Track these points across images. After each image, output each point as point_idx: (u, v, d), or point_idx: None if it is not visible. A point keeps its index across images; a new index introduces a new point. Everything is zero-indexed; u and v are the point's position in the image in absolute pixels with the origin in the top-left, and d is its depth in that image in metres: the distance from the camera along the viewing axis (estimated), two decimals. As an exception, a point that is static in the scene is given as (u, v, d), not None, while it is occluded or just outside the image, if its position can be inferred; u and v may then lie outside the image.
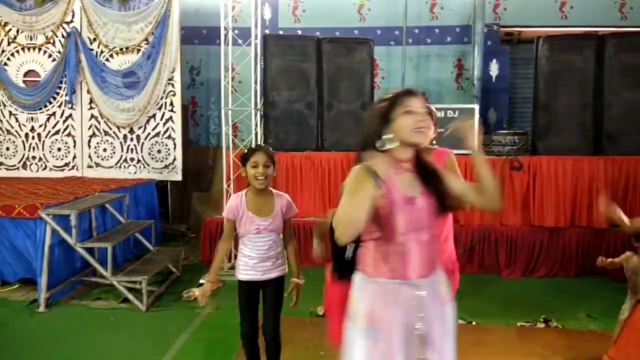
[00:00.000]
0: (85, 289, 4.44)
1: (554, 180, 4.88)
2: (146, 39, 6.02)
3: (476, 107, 5.02)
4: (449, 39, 6.91)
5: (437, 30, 6.90)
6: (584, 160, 4.90)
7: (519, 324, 3.74)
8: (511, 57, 6.96)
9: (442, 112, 5.04)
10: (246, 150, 2.65)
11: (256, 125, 5.89)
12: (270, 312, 2.67)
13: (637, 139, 4.74)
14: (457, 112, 5.04)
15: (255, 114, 5.00)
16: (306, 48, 5.13)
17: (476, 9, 6.52)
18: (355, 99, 5.21)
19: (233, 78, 7.04)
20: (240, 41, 5.04)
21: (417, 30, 6.83)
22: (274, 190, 2.68)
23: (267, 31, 6.25)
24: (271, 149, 2.66)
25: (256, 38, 5.06)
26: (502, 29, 6.87)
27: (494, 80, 6.82)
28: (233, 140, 7.09)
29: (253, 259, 2.61)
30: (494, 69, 6.84)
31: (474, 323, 3.74)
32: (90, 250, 4.20)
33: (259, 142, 4.92)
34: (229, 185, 4.99)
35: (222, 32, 4.83)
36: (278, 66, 5.14)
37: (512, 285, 4.72)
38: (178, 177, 6.27)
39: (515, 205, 4.98)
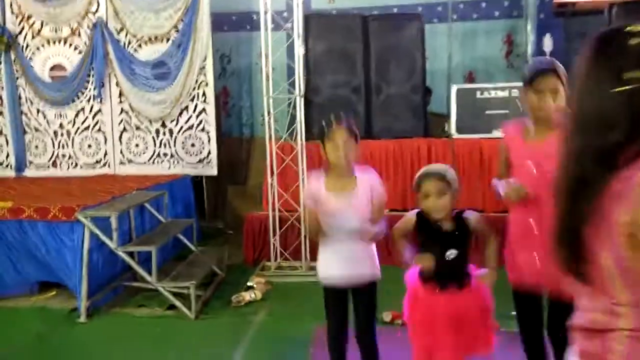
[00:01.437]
0: (126, 296, 4.15)
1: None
2: (176, 27, 5.66)
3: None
4: (497, 13, 6.40)
5: (483, 4, 6.40)
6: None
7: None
8: (565, 30, 6.42)
9: (506, 91, 4.60)
10: (321, 130, 2.28)
11: (294, 114, 5.56)
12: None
13: None
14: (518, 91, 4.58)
15: (298, 102, 4.60)
16: (351, 27, 4.70)
17: (527, -22, 6.02)
18: (406, 80, 4.78)
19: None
20: (281, 23, 4.63)
21: (462, 5, 6.34)
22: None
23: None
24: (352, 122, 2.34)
25: (288, 20, 4.61)
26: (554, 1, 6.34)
27: (548, 55, 6.30)
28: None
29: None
30: (547, 43, 6.28)
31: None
32: (129, 254, 3.89)
33: (299, 132, 4.52)
34: (273, 179, 4.61)
35: (262, 15, 4.43)
36: (321, 49, 4.74)
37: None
38: (213, 171, 5.94)
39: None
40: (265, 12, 4.45)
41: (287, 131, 4.94)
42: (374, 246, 2.37)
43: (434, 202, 2.09)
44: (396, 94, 4.77)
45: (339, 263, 2.29)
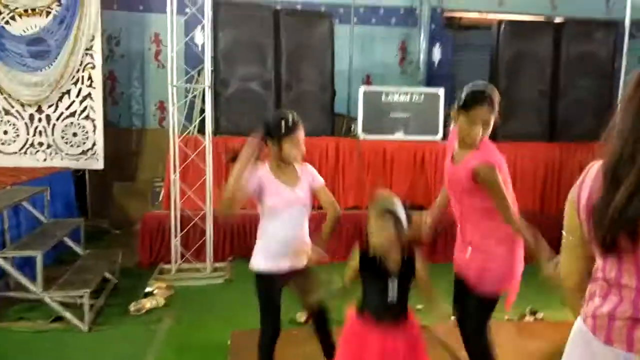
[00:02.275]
0: (-1, 308, 3.55)
1: (513, 167, 4.87)
2: (58, 0, 4.99)
3: (441, 90, 4.83)
4: (393, 20, 6.68)
5: (382, 11, 6.64)
6: (540, 147, 4.96)
7: (506, 318, 3.61)
8: (453, 42, 6.92)
9: (408, 96, 4.80)
10: (284, 123, 2.24)
11: (196, 106, 5.23)
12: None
13: (588, 125, 4.85)
14: (422, 97, 4.82)
15: (207, 93, 4.31)
16: (262, 20, 4.54)
17: (423, -10, 6.37)
18: (316, 79, 4.76)
19: (159, 51, 6.23)
20: (187, 7, 4.30)
21: (362, 10, 6.50)
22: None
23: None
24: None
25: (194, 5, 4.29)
26: (444, 14, 6.80)
27: (436, 65, 6.75)
28: (161, 123, 6.38)
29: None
30: (437, 53, 6.76)
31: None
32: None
33: (208, 125, 4.25)
34: (176, 176, 4.28)
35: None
36: (230, 39, 4.49)
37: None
38: (99, 164, 5.37)
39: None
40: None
41: (191, 124, 4.64)
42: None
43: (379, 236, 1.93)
44: (306, 91, 4.71)
45: (280, 251, 2.29)
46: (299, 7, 6.16)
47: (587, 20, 5.40)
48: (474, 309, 2.23)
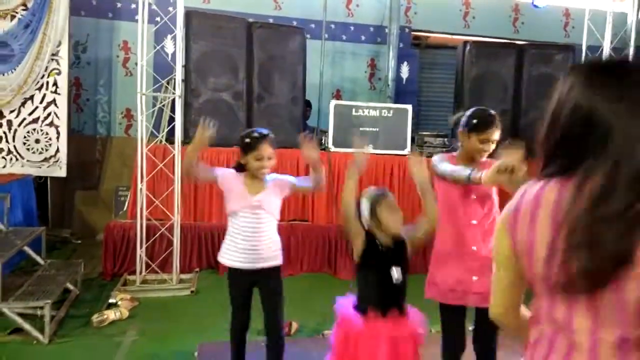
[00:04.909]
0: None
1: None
2: (24, 4, 4.88)
3: (409, 107, 4.96)
4: (363, 37, 6.83)
5: (352, 28, 6.78)
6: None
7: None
8: (419, 60, 7.12)
9: (378, 111, 4.90)
10: (247, 138, 2.42)
11: (166, 115, 5.18)
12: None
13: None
14: (391, 112, 4.93)
15: (177, 102, 4.28)
16: (235, 31, 4.56)
17: (392, 10, 6.54)
18: (288, 92, 4.80)
19: (128, 59, 6.15)
20: (158, 15, 4.29)
21: (333, 26, 6.62)
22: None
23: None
24: (272, 136, 2.49)
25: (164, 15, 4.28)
26: (412, 32, 6.99)
27: (404, 82, 6.92)
28: (127, 131, 6.27)
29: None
30: (404, 71, 6.93)
31: (433, 331, 3.60)
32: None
33: (177, 134, 4.22)
34: (143, 185, 4.21)
35: (141, 5, 4.04)
36: (201, 49, 4.49)
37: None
38: (62, 172, 5.23)
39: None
40: (147, 3, 4.07)
41: (159, 133, 4.59)
42: (278, 239, 2.54)
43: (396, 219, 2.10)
44: (277, 104, 4.75)
45: (239, 250, 2.43)
46: (271, 20, 6.22)
47: (547, 43, 5.66)
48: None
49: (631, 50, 4.86)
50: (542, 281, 0.96)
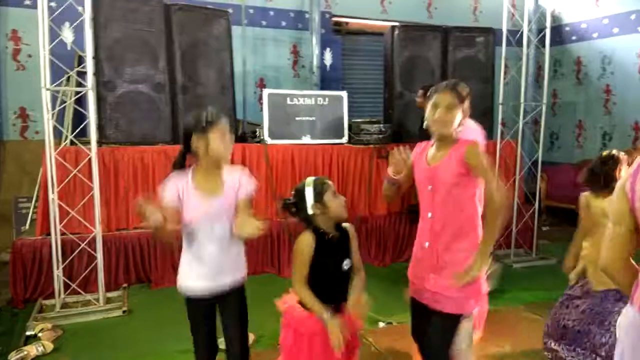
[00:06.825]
0: None
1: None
2: None
3: (344, 94, 4.79)
4: (284, 23, 6.53)
5: (271, 13, 6.45)
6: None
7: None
8: (342, 47, 6.97)
9: (313, 100, 4.66)
10: (202, 115, 2.02)
11: (72, 111, 4.56)
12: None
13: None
14: (327, 100, 4.72)
15: (90, 96, 3.71)
16: (151, 15, 4.05)
17: (312, -5, 6.31)
18: (215, 81, 4.39)
19: (19, 51, 5.34)
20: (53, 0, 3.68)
21: (252, 11, 6.25)
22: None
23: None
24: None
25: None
26: (332, 18, 6.82)
27: (328, 69, 6.74)
28: (23, 133, 5.46)
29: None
30: (327, 57, 6.75)
31: (394, 324, 3.47)
32: None
33: (93, 133, 3.66)
34: (54, 194, 3.62)
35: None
36: (114, 36, 3.94)
37: (391, 273, 4.63)
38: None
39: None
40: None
41: (64, 132, 3.98)
42: (242, 249, 2.16)
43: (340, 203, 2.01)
44: (204, 94, 4.32)
45: (204, 272, 2.05)
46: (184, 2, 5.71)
47: (468, 27, 5.74)
48: (440, 331, 2.04)
49: (548, 32, 5.04)
50: None
